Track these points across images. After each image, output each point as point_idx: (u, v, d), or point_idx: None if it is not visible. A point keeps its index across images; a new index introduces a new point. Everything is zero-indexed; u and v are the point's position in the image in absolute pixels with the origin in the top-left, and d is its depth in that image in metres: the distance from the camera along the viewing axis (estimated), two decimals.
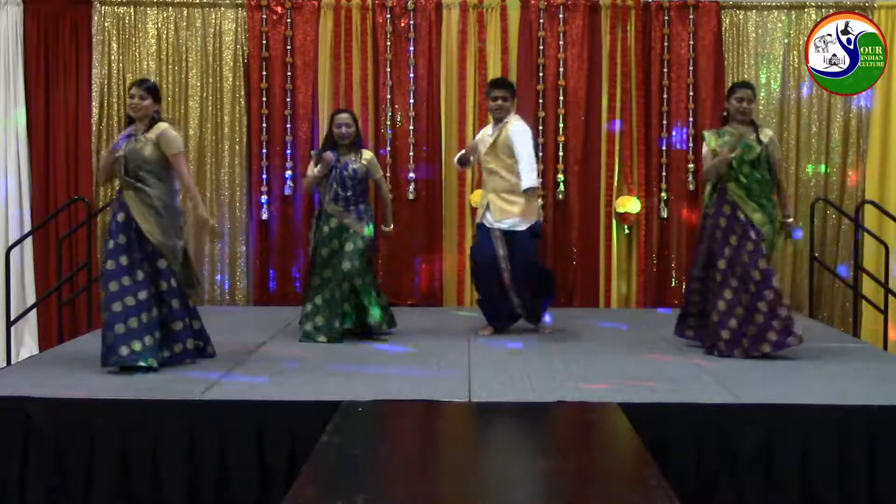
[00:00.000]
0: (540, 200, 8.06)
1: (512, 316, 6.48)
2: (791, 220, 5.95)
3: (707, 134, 5.89)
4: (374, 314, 6.21)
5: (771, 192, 5.74)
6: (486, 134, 6.39)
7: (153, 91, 5.38)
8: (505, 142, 6.22)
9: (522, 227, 6.24)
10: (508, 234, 6.25)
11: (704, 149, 5.84)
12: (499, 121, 6.29)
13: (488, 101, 6.38)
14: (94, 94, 8.06)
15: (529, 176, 6.18)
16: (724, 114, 5.85)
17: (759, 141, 5.69)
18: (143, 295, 5.21)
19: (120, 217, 5.31)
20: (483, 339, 6.33)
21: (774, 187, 5.78)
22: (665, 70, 8.15)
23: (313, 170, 6.27)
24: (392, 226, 6.59)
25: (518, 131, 6.22)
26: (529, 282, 6.39)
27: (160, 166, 5.32)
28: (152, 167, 5.30)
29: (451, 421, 4.42)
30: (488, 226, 6.31)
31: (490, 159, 6.30)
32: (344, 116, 6.31)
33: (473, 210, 8.02)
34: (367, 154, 6.36)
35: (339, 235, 6.20)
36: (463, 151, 6.49)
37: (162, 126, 5.36)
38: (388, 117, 8.13)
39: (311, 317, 6.24)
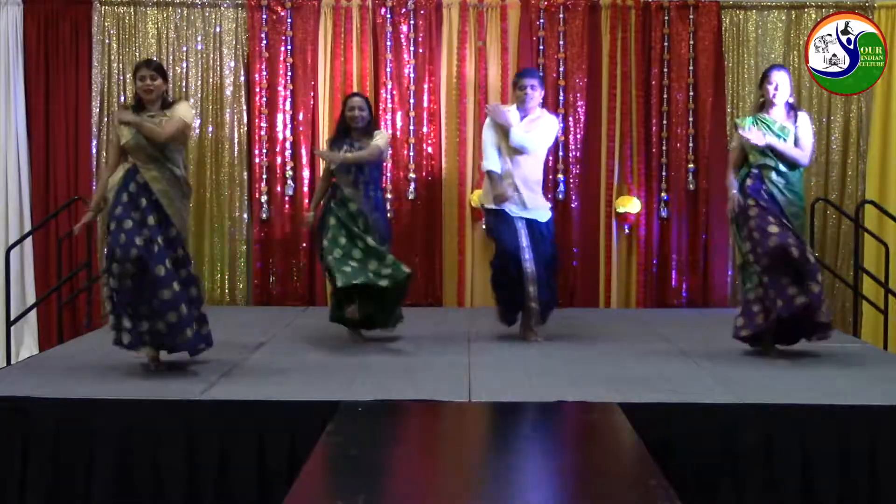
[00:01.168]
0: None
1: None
2: None
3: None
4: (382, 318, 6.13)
5: None
6: (516, 119, 6.14)
7: (162, 71, 5.23)
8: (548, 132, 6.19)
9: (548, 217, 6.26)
10: (535, 224, 6.18)
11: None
12: (531, 109, 6.15)
13: (516, 91, 6.19)
14: (94, 93, 8.06)
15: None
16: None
17: None
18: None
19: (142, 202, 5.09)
20: (485, 341, 6.29)
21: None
22: (665, 70, 8.15)
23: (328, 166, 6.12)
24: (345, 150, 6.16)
25: (555, 127, 6.31)
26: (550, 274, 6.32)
27: (179, 143, 5.19)
28: (175, 145, 5.15)
29: (451, 421, 4.42)
30: (515, 214, 6.13)
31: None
32: (357, 100, 6.13)
33: (473, 210, 8.03)
34: (382, 134, 6.18)
35: (356, 221, 6.01)
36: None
37: (179, 103, 5.21)
38: (388, 117, 8.12)
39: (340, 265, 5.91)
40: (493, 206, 6.14)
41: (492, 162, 6.13)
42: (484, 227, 6.34)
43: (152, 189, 5.06)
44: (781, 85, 5.57)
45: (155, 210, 5.06)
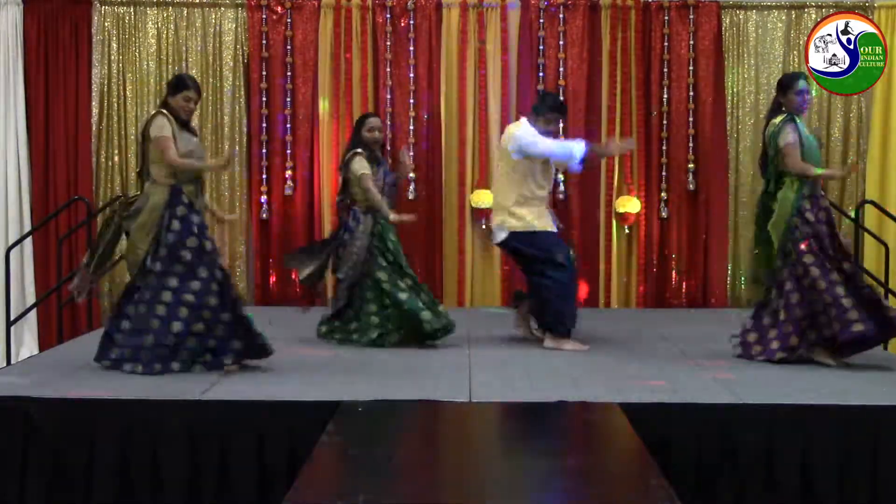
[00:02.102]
0: None
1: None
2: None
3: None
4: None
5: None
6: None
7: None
8: None
9: None
10: None
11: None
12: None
13: (552, 126, 6.11)
14: (94, 94, 8.07)
15: None
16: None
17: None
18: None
19: (196, 219, 5.18)
20: (485, 341, 6.29)
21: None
22: (665, 70, 8.15)
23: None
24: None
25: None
26: None
27: None
28: None
29: (451, 421, 4.42)
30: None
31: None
32: (376, 121, 6.16)
33: (473, 210, 8.04)
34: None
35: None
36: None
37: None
38: (389, 117, 8.13)
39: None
40: (547, 229, 6.05)
41: (573, 146, 5.92)
42: (519, 245, 6.06)
43: None
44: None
45: None
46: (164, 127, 5.13)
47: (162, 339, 5.04)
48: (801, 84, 5.51)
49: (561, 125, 6.15)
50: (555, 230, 6.10)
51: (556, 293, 5.92)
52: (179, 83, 5.24)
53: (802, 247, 5.42)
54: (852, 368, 5.41)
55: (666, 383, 4.97)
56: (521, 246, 6.04)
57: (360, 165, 6.02)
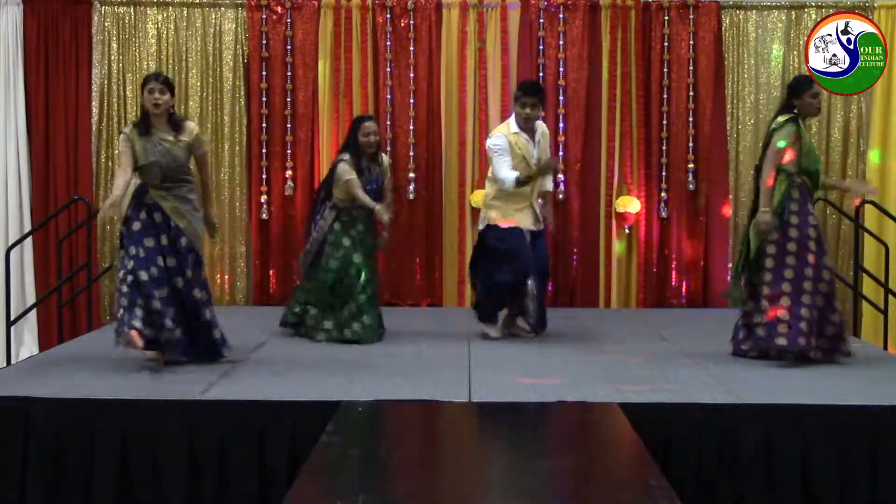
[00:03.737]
0: (541, 200, 8.10)
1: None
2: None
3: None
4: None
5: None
6: (522, 139, 6.12)
7: (170, 84, 5.33)
8: (545, 147, 6.29)
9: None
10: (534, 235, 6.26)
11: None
12: (530, 128, 6.16)
13: (517, 107, 6.14)
14: (94, 94, 8.06)
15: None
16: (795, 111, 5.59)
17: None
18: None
19: (157, 217, 5.29)
20: (485, 341, 6.30)
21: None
22: (665, 70, 8.15)
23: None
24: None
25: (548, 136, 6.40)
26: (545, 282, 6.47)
27: (189, 165, 5.39)
28: (187, 167, 5.35)
29: (451, 421, 4.42)
30: (533, 230, 6.21)
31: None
32: (372, 125, 6.17)
33: (473, 210, 8.03)
34: (386, 159, 6.37)
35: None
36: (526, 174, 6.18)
37: (192, 126, 5.40)
38: (389, 117, 8.12)
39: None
40: (507, 225, 6.14)
41: (507, 175, 6.04)
42: (484, 239, 6.26)
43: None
44: None
45: None
46: (121, 144, 5.33)
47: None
48: (816, 87, 5.63)
49: (535, 107, 6.03)
50: (523, 230, 6.15)
51: (485, 286, 6.26)
52: (144, 80, 5.37)
53: (769, 249, 5.48)
54: (852, 368, 5.42)
55: (666, 383, 4.97)
56: (485, 237, 6.27)
57: (344, 171, 6.11)
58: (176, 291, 5.27)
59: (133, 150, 5.23)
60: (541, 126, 6.30)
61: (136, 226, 5.26)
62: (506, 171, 6.04)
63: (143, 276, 5.16)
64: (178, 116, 5.42)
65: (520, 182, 6.03)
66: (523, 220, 6.18)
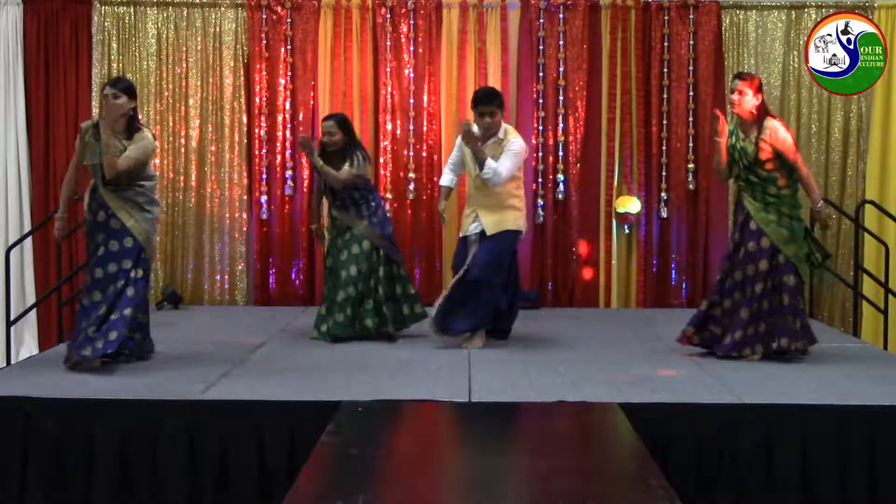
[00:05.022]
0: (540, 200, 8.12)
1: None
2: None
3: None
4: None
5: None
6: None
7: (130, 90, 5.28)
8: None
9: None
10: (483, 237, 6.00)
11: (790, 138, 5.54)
12: (489, 137, 5.94)
13: (475, 117, 6.00)
14: (94, 94, 8.06)
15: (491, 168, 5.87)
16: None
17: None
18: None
19: (100, 216, 5.31)
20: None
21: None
22: (665, 70, 8.15)
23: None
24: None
25: (513, 149, 5.90)
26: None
27: (145, 171, 5.37)
28: (141, 173, 5.32)
29: (451, 421, 4.42)
30: (474, 235, 6.02)
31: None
32: (327, 124, 6.19)
33: None
34: (358, 158, 6.13)
35: (344, 236, 6.24)
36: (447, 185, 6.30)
37: (143, 136, 5.27)
38: (388, 117, 8.12)
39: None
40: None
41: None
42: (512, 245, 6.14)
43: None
44: None
45: None
46: (78, 136, 5.42)
47: None
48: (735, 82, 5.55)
49: (486, 116, 5.97)
50: (462, 234, 6.09)
51: (490, 299, 5.97)
52: (103, 84, 5.50)
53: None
54: (852, 368, 5.42)
55: (666, 383, 4.97)
56: (513, 242, 6.21)
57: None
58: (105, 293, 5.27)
59: (81, 148, 5.35)
60: (508, 139, 5.96)
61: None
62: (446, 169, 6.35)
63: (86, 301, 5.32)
64: (138, 124, 5.36)
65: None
66: (465, 225, 6.10)
